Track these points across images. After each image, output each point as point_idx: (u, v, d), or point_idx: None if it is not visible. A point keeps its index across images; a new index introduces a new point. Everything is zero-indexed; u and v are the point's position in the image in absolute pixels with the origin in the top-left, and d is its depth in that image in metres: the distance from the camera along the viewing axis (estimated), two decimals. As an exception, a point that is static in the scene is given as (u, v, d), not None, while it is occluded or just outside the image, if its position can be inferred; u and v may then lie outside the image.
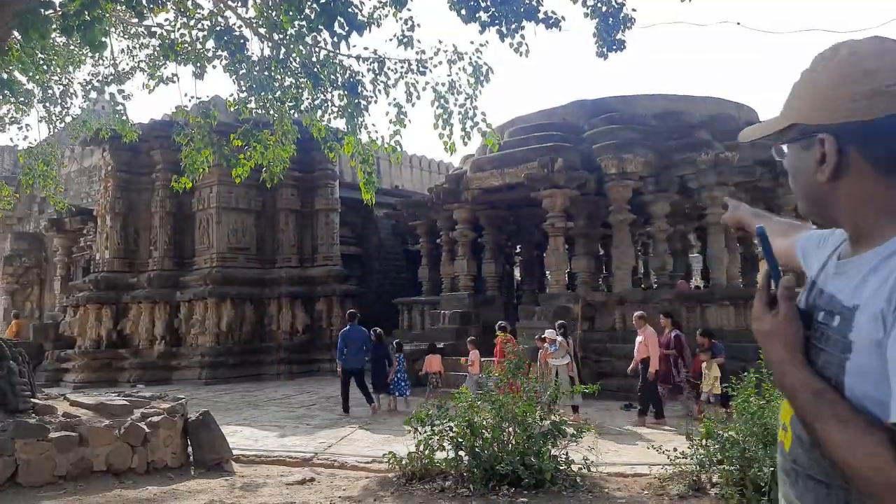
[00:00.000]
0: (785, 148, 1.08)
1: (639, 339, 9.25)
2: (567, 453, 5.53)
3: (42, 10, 5.54)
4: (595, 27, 7.52)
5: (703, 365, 8.98)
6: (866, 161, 0.95)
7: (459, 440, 5.50)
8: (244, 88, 8.43)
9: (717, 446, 5.16)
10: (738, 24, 9.92)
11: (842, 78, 0.96)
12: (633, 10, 7.42)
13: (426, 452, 5.60)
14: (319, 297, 17.32)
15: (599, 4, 7.43)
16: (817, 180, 0.99)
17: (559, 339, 9.50)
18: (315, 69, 7.91)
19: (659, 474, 5.50)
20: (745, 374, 5.55)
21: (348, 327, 10.57)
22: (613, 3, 7.41)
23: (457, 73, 8.15)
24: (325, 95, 8.42)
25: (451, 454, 5.55)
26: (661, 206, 13.16)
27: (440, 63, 8.23)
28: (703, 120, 14.60)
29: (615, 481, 5.64)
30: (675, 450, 5.36)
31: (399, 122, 8.41)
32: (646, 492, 5.34)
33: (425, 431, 5.64)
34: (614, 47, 7.56)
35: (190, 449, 6.56)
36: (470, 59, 8.07)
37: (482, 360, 10.24)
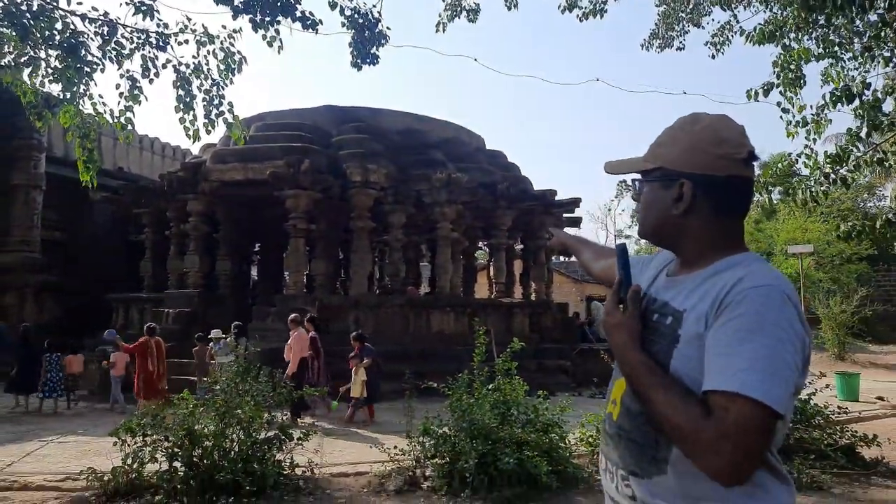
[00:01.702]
0: (638, 185, 1.38)
1: (290, 341, 9.59)
2: (292, 457, 5.51)
3: None
4: (352, 38, 7.68)
5: (353, 370, 9.36)
6: (708, 205, 1.27)
7: (175, 450, 5.10)
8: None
9: (431, 442, 5.62)
10: (475, 60, 11.06)
11: (704, 141, 1.26)
12: (388, 28, 7.75)
13: (134, 466, 5.09)
14: (9, 290, 14.60)
15: (357, 16, 7.61)
16: (672, 213, 1.29)
17: (227, 338, 10.08)
18: (25, 20, 6.68)
19: (379, 471, 5.78)
20: (460, 375, 6.14)
21: None
22: (370, 17, 7.65)
23: (205, 57, 7.59)
24: (36, 52, 7.14)
25: (165, 466, 5.13)
26: (398, 216, 13.92)
27: (186, 42, 7.58)
28: (439, 141, 15.87)
29: (338, 482, 5.78)
30: (395, 447, 5.70)
31: (133, 97, 7.51)
32: (366, 489, 5.58)
33: (135, 443, 5.12)
34: (368, 60, 7.80)
35: None
36: (222, 44, 7.58)
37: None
